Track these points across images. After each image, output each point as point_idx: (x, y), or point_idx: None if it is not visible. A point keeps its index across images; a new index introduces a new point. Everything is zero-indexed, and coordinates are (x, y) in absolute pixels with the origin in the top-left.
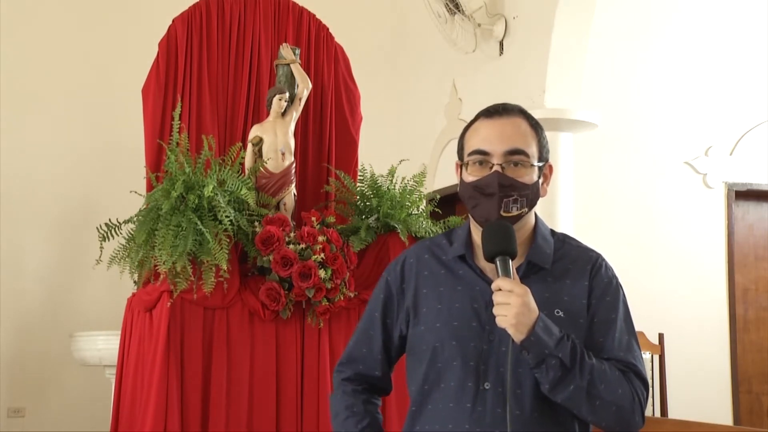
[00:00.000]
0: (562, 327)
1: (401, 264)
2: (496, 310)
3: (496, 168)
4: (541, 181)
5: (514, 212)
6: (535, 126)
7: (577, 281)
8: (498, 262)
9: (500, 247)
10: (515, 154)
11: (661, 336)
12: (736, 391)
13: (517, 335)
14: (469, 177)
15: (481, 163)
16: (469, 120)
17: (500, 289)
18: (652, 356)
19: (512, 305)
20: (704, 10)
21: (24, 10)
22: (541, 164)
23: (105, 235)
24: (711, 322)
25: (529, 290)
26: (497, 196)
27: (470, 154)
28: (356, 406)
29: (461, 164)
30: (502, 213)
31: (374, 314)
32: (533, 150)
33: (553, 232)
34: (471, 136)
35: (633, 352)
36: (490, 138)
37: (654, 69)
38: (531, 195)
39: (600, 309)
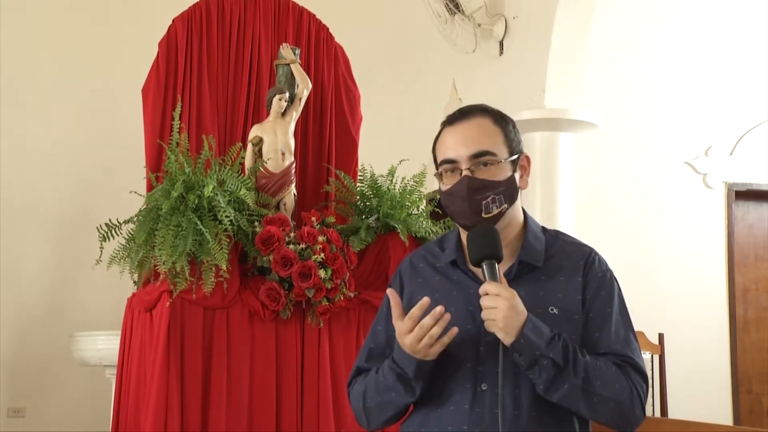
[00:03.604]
0: (558, 324)
1: (399, 275)
2: (484, 315)
3: (465, 173)
4: (518, 174)
5: (495, 211)
6: (500, 121)
7: (571, 277)
8: (484, 267)
9: (486, 251)
10: (481, 156)
11: (661, 336)
12: (736, 391)
13: (507, 338)
14: (444, 186)
15: (452, 171)
16: None
17: (487, 294)
18: (652, 356)
19: (499, 309)
20: (704, 10)
21: (24, 11)
22: (513, 158)
23: (105, 235)
24: (711, 322)
25: (516, 293)
26: (467, 201)
27: (440, 164)
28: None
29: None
30: (483, 215)
31: (377, 328)
32: (500, 147)
33: (544, 229)
34: (439, 147)
35: (630, 345)
36: (454, 145)
37: (654, 69)
38: (507, 190)
39: (595, 304)
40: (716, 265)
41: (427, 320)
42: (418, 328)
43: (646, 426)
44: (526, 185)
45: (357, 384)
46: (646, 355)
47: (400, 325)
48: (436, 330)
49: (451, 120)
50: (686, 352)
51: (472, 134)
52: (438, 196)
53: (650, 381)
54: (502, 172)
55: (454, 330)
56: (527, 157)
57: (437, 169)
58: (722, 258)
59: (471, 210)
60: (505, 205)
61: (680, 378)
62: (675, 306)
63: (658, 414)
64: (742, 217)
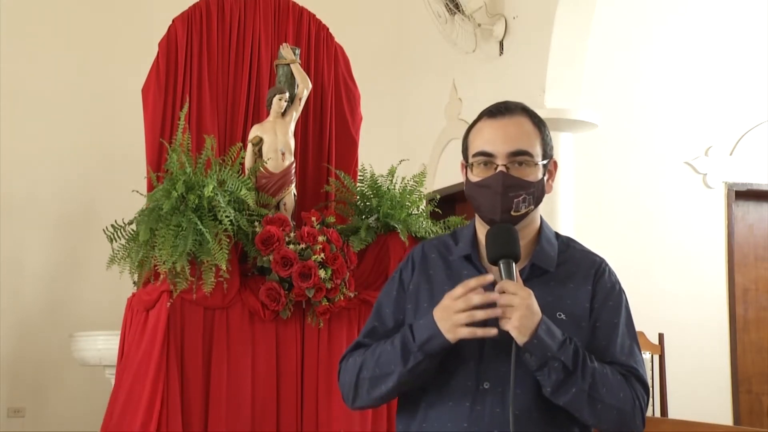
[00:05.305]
0: (565, 330)
1: (411, 261)
2: (499, 312)
3: (500, 169)
4: (546, 178)
5: (523, 210)
6: (539, 124)
7: (581, 285)
8: (501, 265)
9: (504, 250)
10: (519, 155)
11: (661, 336)
12: (736, 391)
13: (520, 338)
14: (475, 177)
15: (485, 164)
16: (469, 120)
17: (504, 292)
18: (652, 356)
19: (516, 308)
20: (704, 10)
21: (24, 12)
22: (545, 162)
23: (112, 236)
24: (711, 322)
25: (532, 293)
26: (501, 196)
27: (475, 155)
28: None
29: (466, 165)
30: (513, 213)
31: (385, 310)
32: (537, 149)
33: (557, 234)
34: (475, 137)
35: (635, 357)
36: (494, 139)
37: (654, 69)
38: (537, 192)
39: (603, 313)
40: (716, 265)
41: (476, 298)
42: (464, 299)
43: (646, 426)
44: (551, 190)
45: (354, 356)
46: (646, 355)
47: (455, 288)
48: (480, 314)
49: (493, 113)
50: (686, 352)
51: (514, 132)
52: (438, 196)
53: (650, 381)
54: (534, 174)
55: (493, 330)
56: (555, 163)
57: (467, 158)
58: (722, 258)
59: (502, 206)
60: (533, 206)
61: (680, 378)
62: (675, 306)
63: (658, 414)
64: (742, 217)
